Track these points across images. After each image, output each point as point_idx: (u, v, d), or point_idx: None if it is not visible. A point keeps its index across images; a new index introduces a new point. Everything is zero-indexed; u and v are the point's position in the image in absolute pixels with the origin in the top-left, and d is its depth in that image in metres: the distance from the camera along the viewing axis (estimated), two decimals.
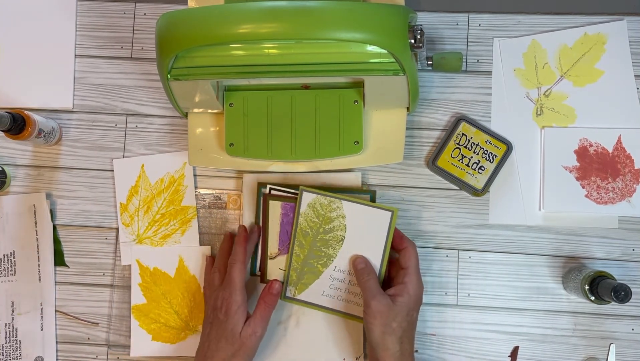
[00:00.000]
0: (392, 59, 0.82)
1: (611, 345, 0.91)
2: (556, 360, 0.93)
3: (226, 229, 0.97)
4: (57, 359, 0.96)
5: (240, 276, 0.86)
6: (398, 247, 0.87)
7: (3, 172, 0.97)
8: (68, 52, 1.01)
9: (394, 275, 0.87)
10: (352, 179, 0.94)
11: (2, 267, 0.97)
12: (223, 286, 0.87)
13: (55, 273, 0.97)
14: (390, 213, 0.87)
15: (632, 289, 0.82)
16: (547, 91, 0.96)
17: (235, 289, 0.85)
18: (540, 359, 0.93)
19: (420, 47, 0.83)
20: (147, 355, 0.95)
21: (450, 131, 0.95)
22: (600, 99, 0.95)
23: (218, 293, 0.87)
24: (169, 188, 0.98)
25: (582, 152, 0.94)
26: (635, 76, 0.95)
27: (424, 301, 0.94)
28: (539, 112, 0.96)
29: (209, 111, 0.95)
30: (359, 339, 0.92)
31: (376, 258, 0.87)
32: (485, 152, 0.94)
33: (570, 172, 0.94)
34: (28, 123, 0.91)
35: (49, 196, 0.99)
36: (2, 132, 0.91)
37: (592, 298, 0.87)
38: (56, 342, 0.97)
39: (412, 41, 0.82)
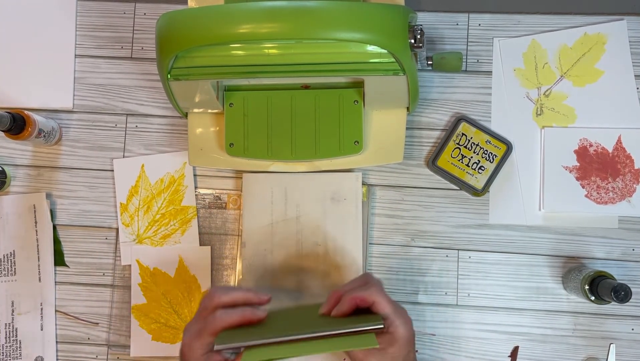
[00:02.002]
0: (392, 59, 0.82)
1: (611, 345, 0.91)
2: (556, 360, 0.93)
3: (226, 229, 0.97)
4: (57, 359, 0.96)
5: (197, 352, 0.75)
6: (366, 306, 0.76)
7: (3, 172, 0.97)
8: (68, 52, 1.01)
9: None
10: (352, 179, 0.94)
11: (2, 267, 0.97)
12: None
13: (55, 273, 0.97)
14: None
15: (632, 289, 0.82)
16: (547, 91, 0.96)
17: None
18: (540, 359, 0.93)
19: (420, 47, 0.83)
20: (147, 355, 0.95)
21: (450, 131, 0.95)
22: (600, 99, 0.95)
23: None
24: (169, 188, 0.98)
25: (582, 152, 0.94)
26: (635, 76, 0.95)
27: (423, 301, 0.94)
28: (539, 112, 0.96)
29: (209, 111, 0.95)
30: None
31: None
32: (485, 152, 0.94)
33: (570, 172, 0.94)
34: (28, 123, 0.91)
35: (49, 196, 0.99)
36: (2, 132, 0.91)
37: (592, 298, 0.87)
38: (56, 342, 0.97)
39: (412, 41, 0.82)
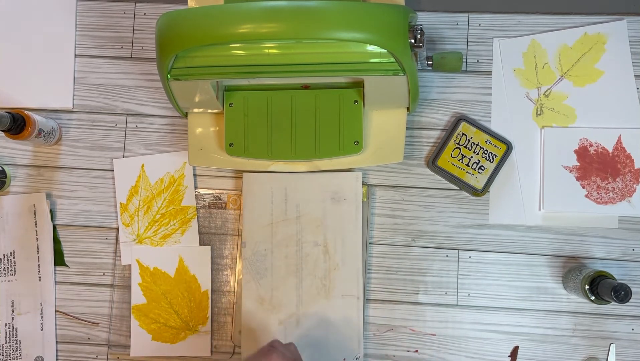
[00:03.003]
0: (392, 59, 0.83)
1: (611, 345, 0.91)
2: (556, 360, 0.93)
3: (226, 229, 0.97)
4: (57, 359, 0.96)
5: None
6: None
7: (3, 172, 0.97)
8: (68, 52, 1.01)
9: None
10: (352, 179, 0.94)
11: (2, 267, 0.97)
12: None
13: (55, 273, 0.97)
14: None
15: (632, 289, 0.82)
16: (547, 90, 0.96)
17: None
18: (540, 359, 0.93)
19: (420, 47, 0.83)
20: (147, 355, 0.95)
21: (450, 131, 0.95)
22: (600, 99, 0.95)
23: None
24: (169, 188, 0.98)
25: (582, 152, 0.94)
26: (635, 76, 0.95)
27: (423, 301, 0.94)
28: (539, 112, 0.96)
29: (209, 110, 0.95)
30: (359, 339, 0.92)
31: None
32: (485, 152, 0.94)
33: (570, 172, 0.94)
34: (28, 123, 0.91)
35: (49, 196, 0.99)
36: (2, 132, 0.91)
37: (592, 298, 0.87)
38: (56, 342, 0.97)
39: (412, 41, 0.82)
